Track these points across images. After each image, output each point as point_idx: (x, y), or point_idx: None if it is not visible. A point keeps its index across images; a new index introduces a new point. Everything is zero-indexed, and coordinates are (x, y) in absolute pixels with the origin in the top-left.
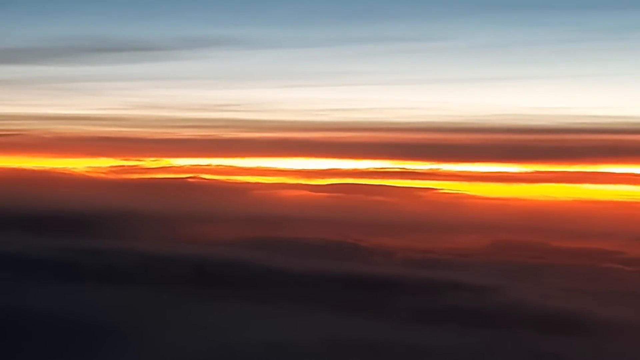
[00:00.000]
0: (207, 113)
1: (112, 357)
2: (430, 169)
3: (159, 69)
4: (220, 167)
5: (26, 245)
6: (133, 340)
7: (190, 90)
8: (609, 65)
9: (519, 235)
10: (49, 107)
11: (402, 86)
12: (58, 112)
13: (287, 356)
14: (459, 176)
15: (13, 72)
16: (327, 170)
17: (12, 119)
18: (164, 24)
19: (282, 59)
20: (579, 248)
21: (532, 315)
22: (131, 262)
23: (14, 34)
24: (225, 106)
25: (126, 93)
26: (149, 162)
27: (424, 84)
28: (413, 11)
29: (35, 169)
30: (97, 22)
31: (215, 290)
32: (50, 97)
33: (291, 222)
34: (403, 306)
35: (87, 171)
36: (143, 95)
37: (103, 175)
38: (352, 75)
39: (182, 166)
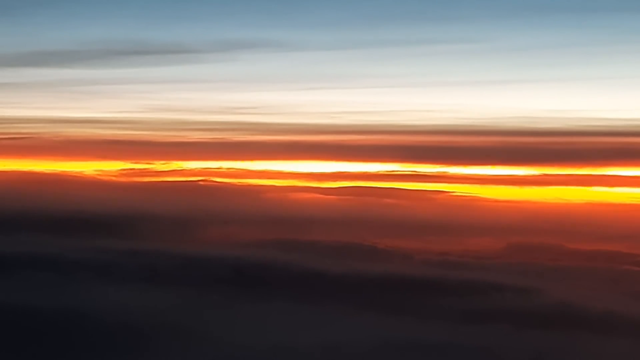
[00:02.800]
0: (222, 116)
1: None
2: (441, 172)
3: (185, 72)
4: (231, 170)
5: (62, 246)
6: (186, 340)
7: (211, 93)
8: (621, 67)
9: (534, 237)
10: (65, 110)
11: (421, 89)
12: (73, 115)
13: (347, 357)
14: (470, 179)
15: (37, 75)
16: (337, 173)
17: (27, 122)
18: (200, 27)
19: (309, 61)
20: (596, 250)
21: (583, 315)
22: (168, 263)
23: (48, 36)
24: (242, 109)
25: (145, 96)
26: (159, 165)
27: (442, 86)
28: (434, 14)
29: (45, 172)
30: (133, 25)
31: (258, 291)
32: (68, 100)
33: (306, 224)
34: (448, 307)
35: (97, 174)
36: (162, 98)
37: (114, 179)
38: (372, 78)
39: (193, 169)
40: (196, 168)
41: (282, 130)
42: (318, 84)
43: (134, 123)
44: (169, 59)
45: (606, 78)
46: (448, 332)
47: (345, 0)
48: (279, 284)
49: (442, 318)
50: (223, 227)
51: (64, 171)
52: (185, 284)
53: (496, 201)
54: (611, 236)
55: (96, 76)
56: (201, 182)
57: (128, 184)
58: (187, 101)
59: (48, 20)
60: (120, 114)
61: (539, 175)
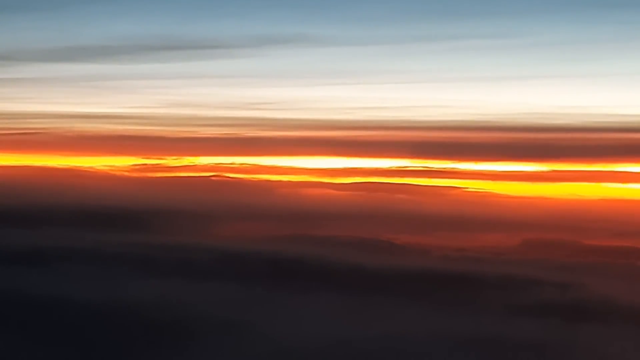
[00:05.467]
0: (235, 111)
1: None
2: (453, 168)
3: (213, 67)
4: (243, 165)
5: (96, 240)
6: (234, 334)
7: (229, 88)
8: (634, 63)
9: (549, 233)
10: (81, 105)
11: (438, 84)
12: (88, 110)
13: (404, 349)
14: (483, 175)
15: (62, 70)
16: (349, 169)
17: (41, 117)
18: (235, 22)
19: (334, 57)
20: (612, 246)
21: (624, 310)
22: (204, 257)
23: (81, 32)
24: (259, 104)
25: (163, 91)
26: (170, 161)
27: (459, 82)
28: (459, 10)
29: (56, 167)
30: (166, 20)
31: (299, 285)
32: (86, 95)
33: (321, 220)
34: (494, 301)
35: (108, 170)
36: (178, 94)
37: (126, 174)
38: (393, 74)
39: (205, 164)
40: (208, 163)
41: (294, 125)
42: (337, 79)
43: (148, 118)
44: (200, 54)
45: (619, 74)
46: (498, 325)
47: None
48: (317, 277)
49: (493, 312)
50: (242, 223)
51: (76, 166)
52: (225, 278)
53: (509, 197)
54: (626, 232)
55: (120, 71)
56: (213, 178)
57: (140, 179)
58: (202, 97)
59: (82, 16)
60: (134, 109)
61: (552, 171)
